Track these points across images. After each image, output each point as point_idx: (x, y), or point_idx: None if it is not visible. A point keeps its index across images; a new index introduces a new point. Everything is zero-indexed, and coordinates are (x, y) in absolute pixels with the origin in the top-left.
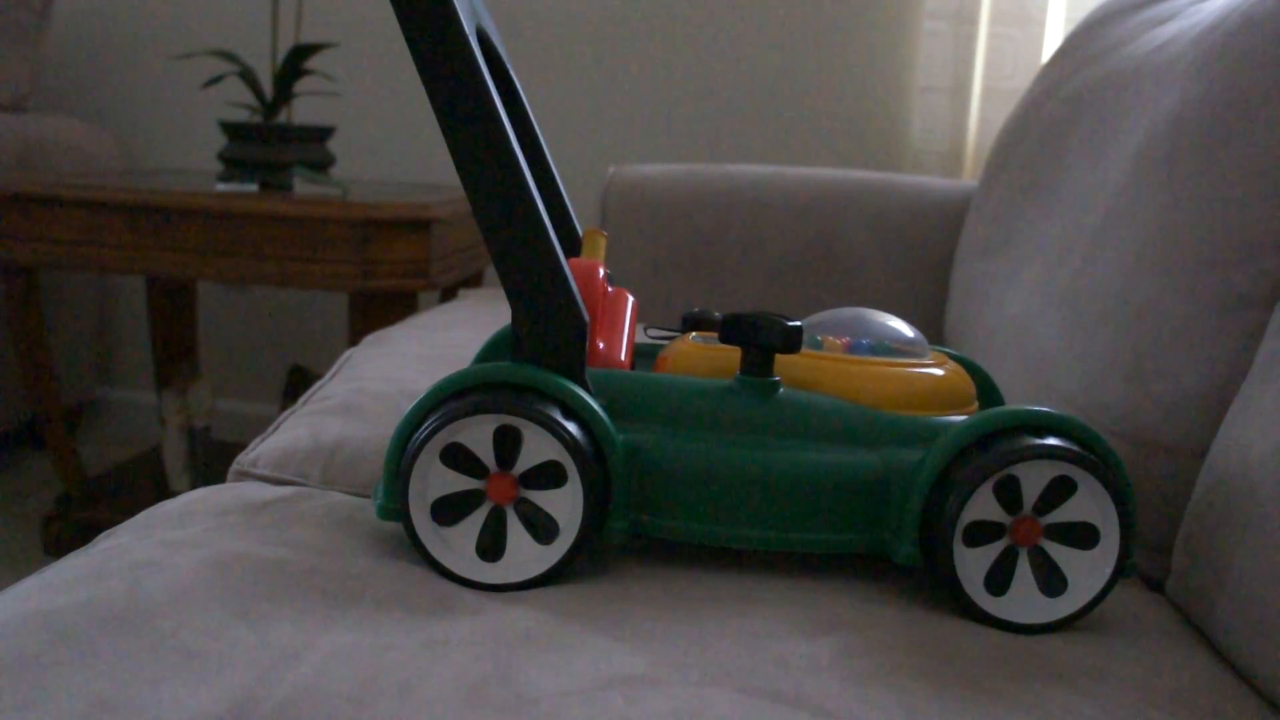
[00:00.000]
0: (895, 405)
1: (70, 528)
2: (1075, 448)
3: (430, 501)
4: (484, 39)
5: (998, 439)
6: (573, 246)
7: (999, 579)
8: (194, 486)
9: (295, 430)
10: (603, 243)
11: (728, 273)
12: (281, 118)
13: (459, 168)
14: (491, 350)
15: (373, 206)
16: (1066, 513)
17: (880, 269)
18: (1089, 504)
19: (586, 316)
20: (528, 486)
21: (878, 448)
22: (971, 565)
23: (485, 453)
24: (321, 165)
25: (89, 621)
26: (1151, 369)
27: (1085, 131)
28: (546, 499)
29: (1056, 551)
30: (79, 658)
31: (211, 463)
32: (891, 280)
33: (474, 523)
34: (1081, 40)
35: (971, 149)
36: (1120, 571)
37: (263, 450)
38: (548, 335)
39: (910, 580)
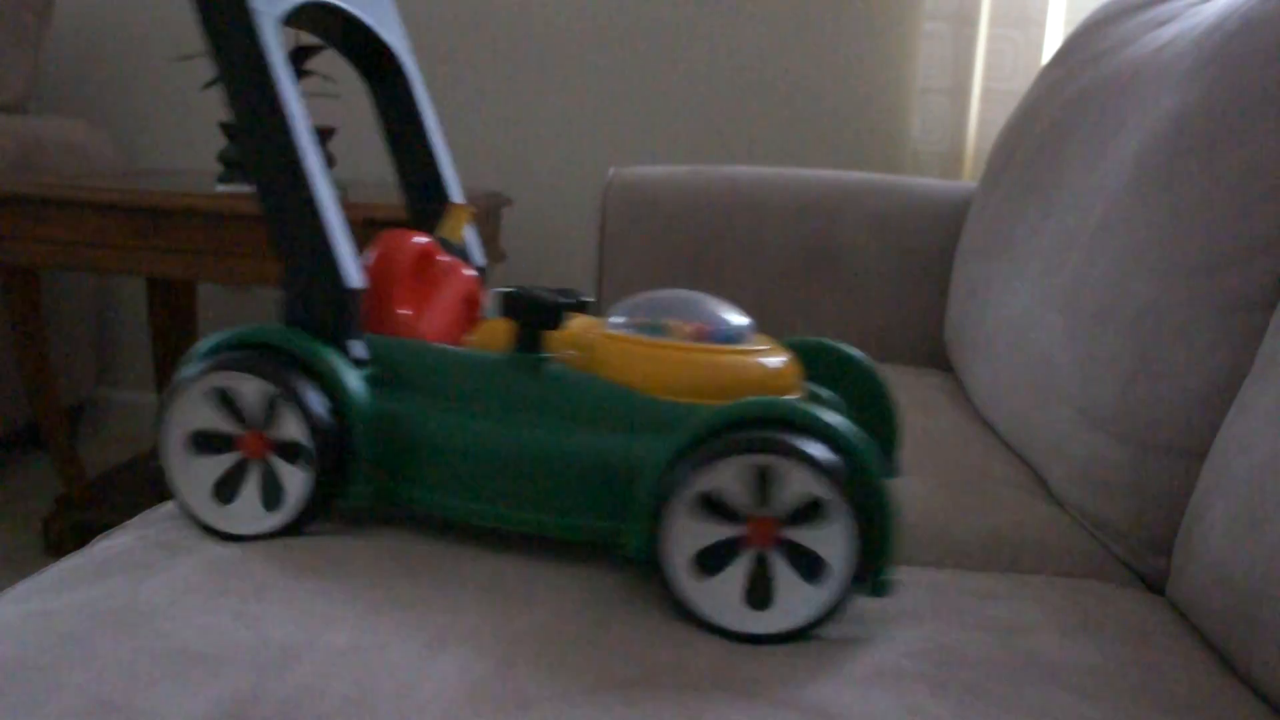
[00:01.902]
0: (680, 392)
1: (70, 528)
2: (817, 455)
3: (210, 485)
4: (331, 9)
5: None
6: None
7: (759, 593)
8: None
9: None
10: (463, 216)
11: (728, 273)
12: None
13: (238, 132)
14: None
15: (373, 207)
16: (803, 536)
17: (880, 270)
18: (830, 531)
19: (354, 282)
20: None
21: (634, 433)
22: (721, 583)
23: (222, 421)
24: None
25: (89, 622)
26: (1152, 370)
27: (1085, 133)
28: (288, 435)
29: (781, 564)
30: (79, 659)
31: None
32: (891, 281)
33: (251, 487)
34: (1081, 42)
35: (971, 150)
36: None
37: None
38: (308, 299)
39: (910, 581)
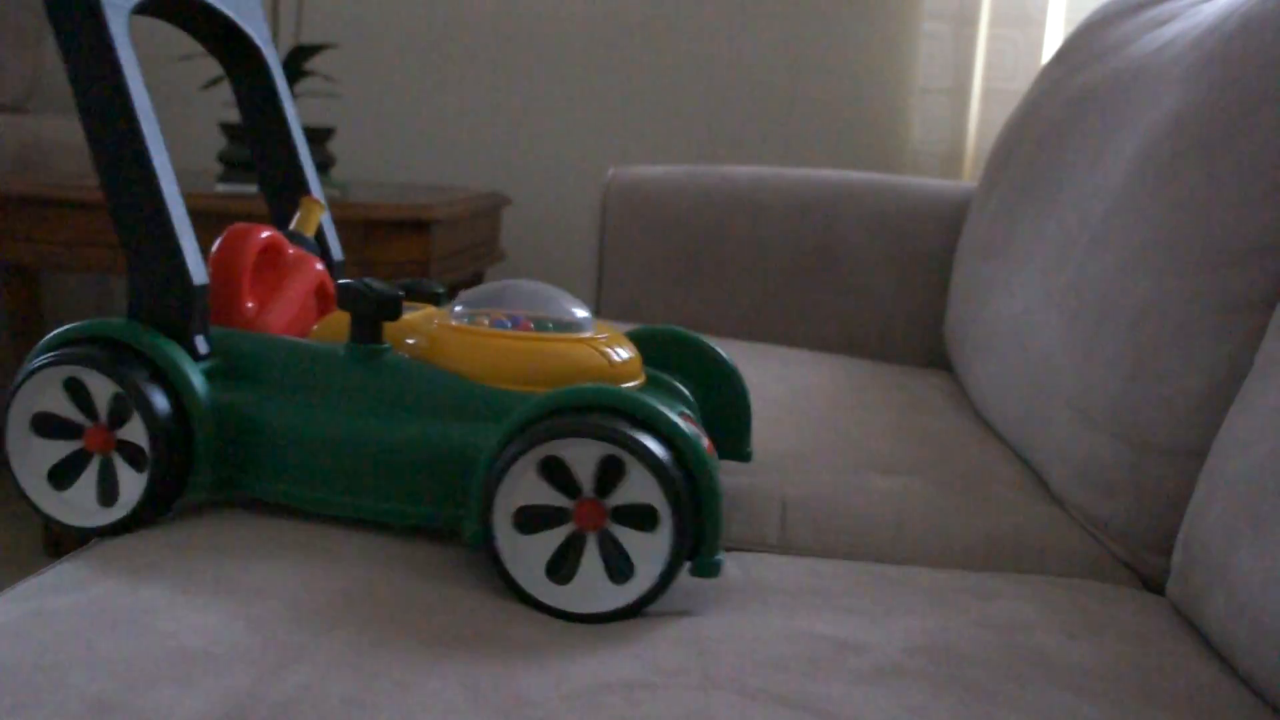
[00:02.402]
0: (517, 380)
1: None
2: (615, 427)
3: (45, 469)
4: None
5: (555, 417)
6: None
7: (563, 566)
8: None
9: None
10: (316, 211)
11: (728, 273)
12: None
13: (85, 127)
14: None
15: (373, 207)
16: (624, 495)
17: (880, 270)
18: (643, 486)
19: (198, 278)
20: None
21: (470, 421)
22: (530, 552)
23: (70, 410)
24: (321, 166)
25: (89, 623)
26: (1152, 370)
27: (1085, 133)
28: (130, 432)
29: (623, 536)
30: (79, 659)
31: None
32: (891, 281)
33: (89, 479)
34: (1082, 42)
35: (971, 150)
36: (686, 558)
37: None
38: (153, 294)
39: (910, 580)
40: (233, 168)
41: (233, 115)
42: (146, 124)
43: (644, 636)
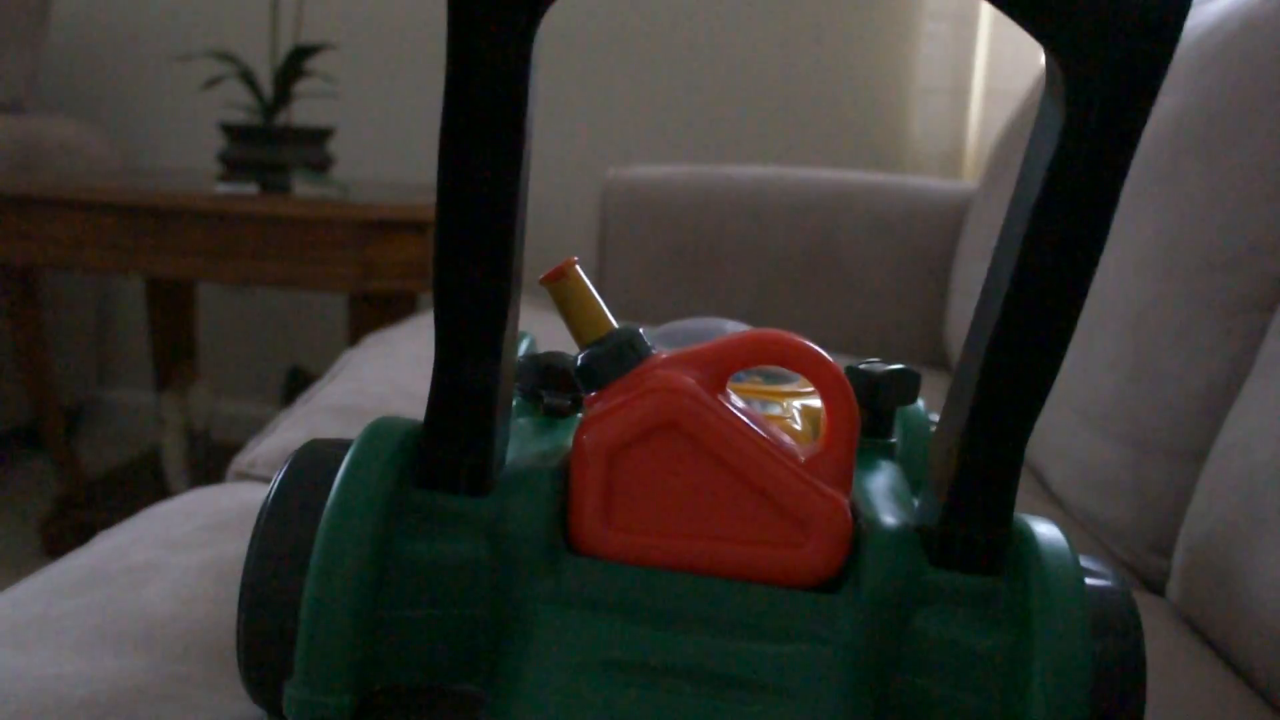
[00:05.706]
0: None
1: (70, 528)
2: None
3: None
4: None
5: None
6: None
7: None
8: (193, 488)
9: (293, 431)
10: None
11: (727, 274)
12: (281, 119)
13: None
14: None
15: (372, 207)
16: None
17: (880, 270)
18: None
19: None
20: None
21: None
22: None
23: None
24: (321, 166)
25: (91, 628)
26: (1152, 370)
27: None
28: None
29: None
30: (81, 664)
31: (210, 464)
32: (891, 281)
33: None
34: None
35: (972, 150)
36: None
37: (260, 451)
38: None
39: None
40: (232, 168)
41: (232, 115)
42: None
43: None
